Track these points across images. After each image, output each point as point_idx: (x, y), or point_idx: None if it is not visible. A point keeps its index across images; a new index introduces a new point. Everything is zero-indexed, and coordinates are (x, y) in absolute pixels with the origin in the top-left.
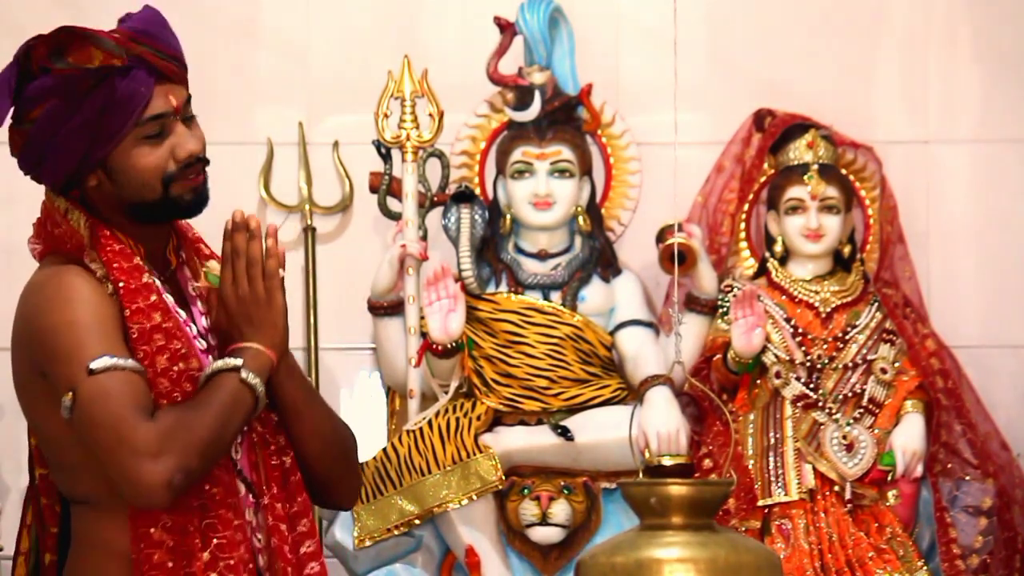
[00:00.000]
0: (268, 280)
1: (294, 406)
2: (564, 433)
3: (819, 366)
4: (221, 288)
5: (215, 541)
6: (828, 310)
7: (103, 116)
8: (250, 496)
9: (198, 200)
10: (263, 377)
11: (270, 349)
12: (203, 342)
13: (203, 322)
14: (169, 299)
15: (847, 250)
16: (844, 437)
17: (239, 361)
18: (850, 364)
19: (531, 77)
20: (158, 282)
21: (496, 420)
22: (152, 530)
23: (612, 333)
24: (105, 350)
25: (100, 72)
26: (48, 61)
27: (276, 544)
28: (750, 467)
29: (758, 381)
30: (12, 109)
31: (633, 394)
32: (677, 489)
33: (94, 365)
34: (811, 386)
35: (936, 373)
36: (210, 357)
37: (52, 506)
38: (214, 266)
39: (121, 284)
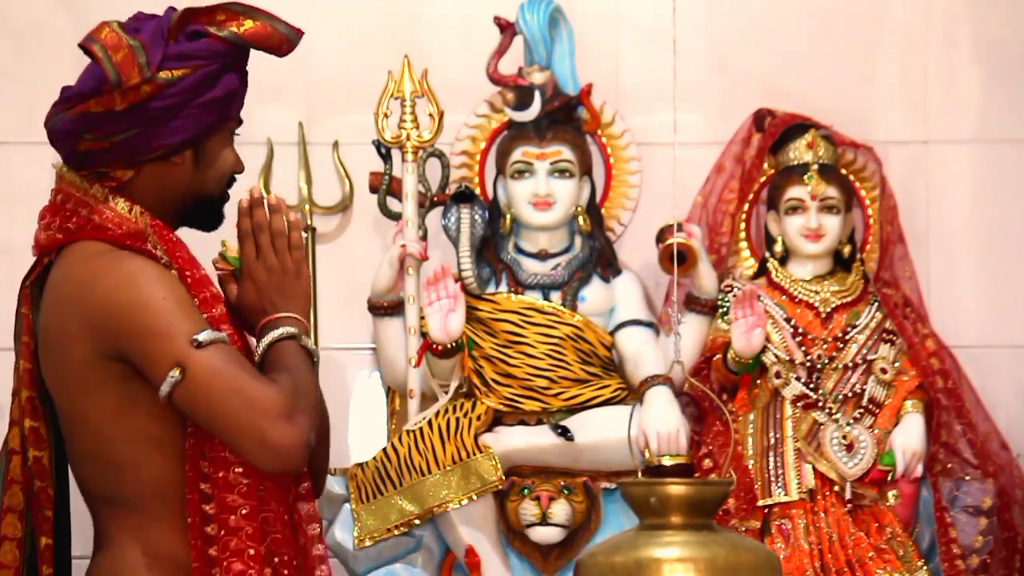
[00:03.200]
0: (295, 251)
1: None
2: (564, 433)
3: (819, 366)
4: (245, 263)
5: (271, 536)
6: (828, 310)
7: (233, 95)
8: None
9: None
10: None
11: (304, 318)
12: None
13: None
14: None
15: (847, 250)
16: (844, 437)
17: (294, 329)
18: (850, 364)
19: (531, 77)
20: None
21: (496, 420)
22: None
23: (612, 333)
24: (202, 325)
25: (249, 51)
26: (205, 27)
27: (302, 543)
28: (750, 467)
29: (758, 381)
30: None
31: (633, 394)
32: (676, 489)
33: (201, 338)
34: (811, 386)
35: (936, 373)
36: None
37: (46, 489)
38: (231, 245)
39: (188, 274)
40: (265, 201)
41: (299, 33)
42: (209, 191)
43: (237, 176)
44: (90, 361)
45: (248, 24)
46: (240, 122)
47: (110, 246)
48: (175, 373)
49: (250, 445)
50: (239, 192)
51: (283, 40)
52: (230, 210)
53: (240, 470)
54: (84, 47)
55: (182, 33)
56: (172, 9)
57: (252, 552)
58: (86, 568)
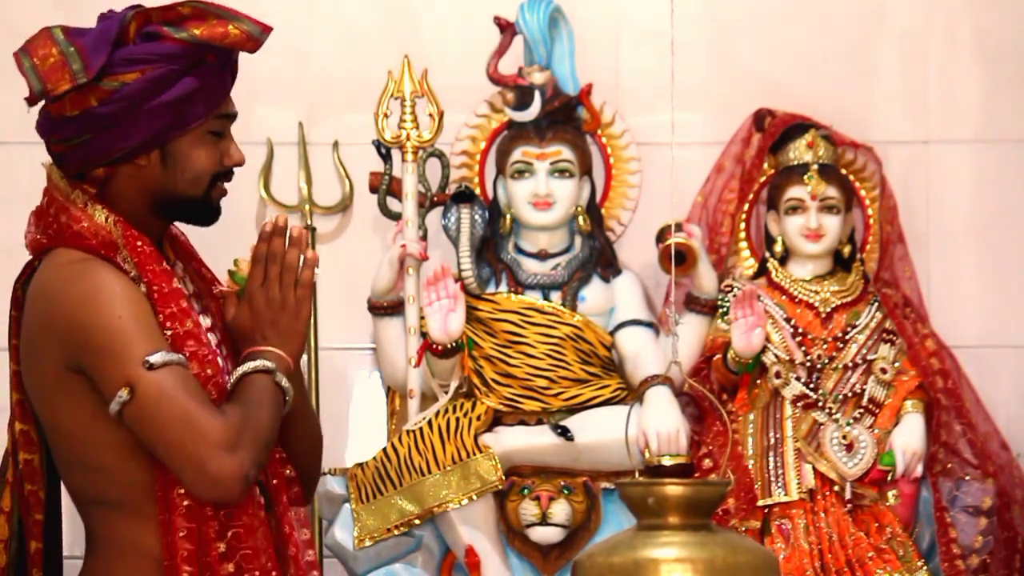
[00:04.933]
0: (300, 289)
1: (296, 410)
2: (564, 433)
3: (819, 366)
4: (249, 287)
5: (240, 552)
6: (828, 310)
7: (193, 97)
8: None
9: (219, 209)
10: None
11: (291, 358)
12: (214, 338)
13: (204, 321)
14: (194, 304)
15: (847, 250)
16: (844, 437)
17: (271, 364)
18: (850, 364)
19: (531, 77)
20: (184, 286)
21: (496, 420)
22: (180, 535)
23: (612, 333)
24: (158, 346)
25: (220, 50)
26: (161, 28)
27: (293, 553)
28: (750, 467)
29: (758, 381)
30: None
31: (633, 394)
32: (674, 489)
33: (153, 359)
34: (811, 386)
35: (936, 373)
36: (219, 359)
37: (37, 492)
38: (243, 265)
39: (155, 288)
40: (288, 231)
41: (265, 30)
42: (184, 191)
43: (236, 168)
44: (58, 371)
45: (208, 23)
46: (229, 118)
47: (84, 255)
48: (123, 393)
49: (189, 472)
50: (239, 192)
51: (247, 38)
52: (226, 205)
53: None
54: (15, 56)
55: (139, 34)
56: (133, 7)
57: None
58: (79, 571)
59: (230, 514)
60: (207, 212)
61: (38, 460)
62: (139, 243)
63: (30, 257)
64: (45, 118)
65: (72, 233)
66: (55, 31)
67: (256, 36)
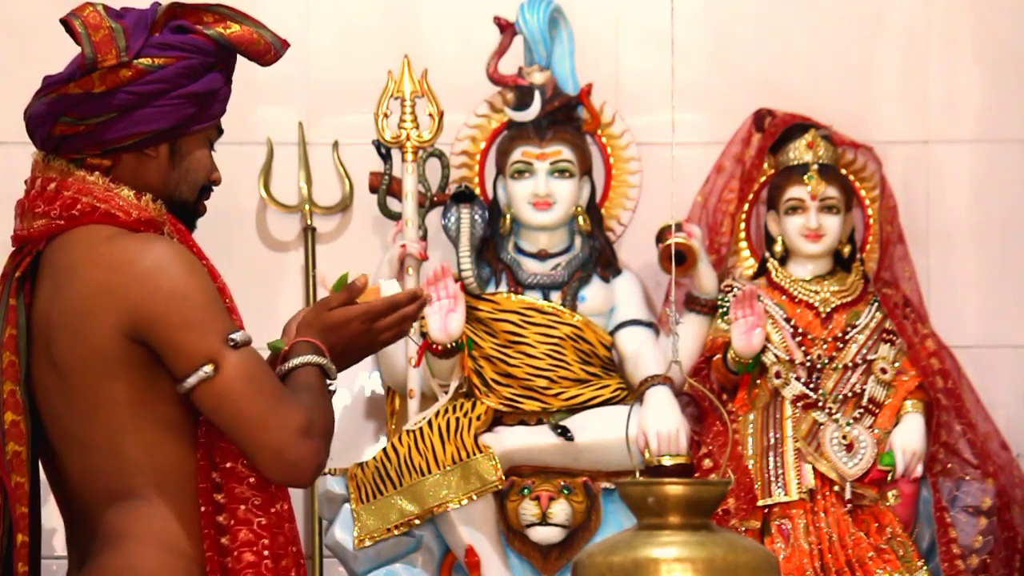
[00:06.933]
0: (386, 337)
1: None
2: (564, 433)
3: (819, 366)
4: (357, 311)
5: (280, 534)
6: (828, 310)
7: (216, 94)
8: None
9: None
10: None
11: (338, 367)
12: None
13: None
14: None
15: (847, 250)
16: (844, 437)
17: (324, 361)
18: (850, 364)
19: (531, 77)
20: None
21: (496, 420)
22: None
23: (612, 333)
24: (234, 324)
25: (240, 55)
26: (191, 23)
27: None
28: (750, 467)
29: (758, 381)
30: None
31: (633, 394)
32: (674, 489)
33: (237, 338)
34: (811, 386)
35: (936, 373)
36: None
37: (24, 485)
38: (359, 281)
39: (204, 263)
40: (424, 300)
41: (285, 44)
42: (182, 194)
43: (214, 187)
44: (114, 341)
45: (234, 28)
46: (220, 132)
47: (129, 230)
48: (208, 369)
49: (266, 455)
50: (239, 193)
51: (268, 48)
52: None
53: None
54: (65, 21)
55: (167, 27)
56: (158, 4)
57: (265, 542)
58: (88, 568)
59: (273, 493)
60: (191, 221)
61: (25, 452)
62: (179, 225)
63: (16, 247)
64: (59, 96)
65: (102, 212)
66: (98, 6)
67: (277, 48)
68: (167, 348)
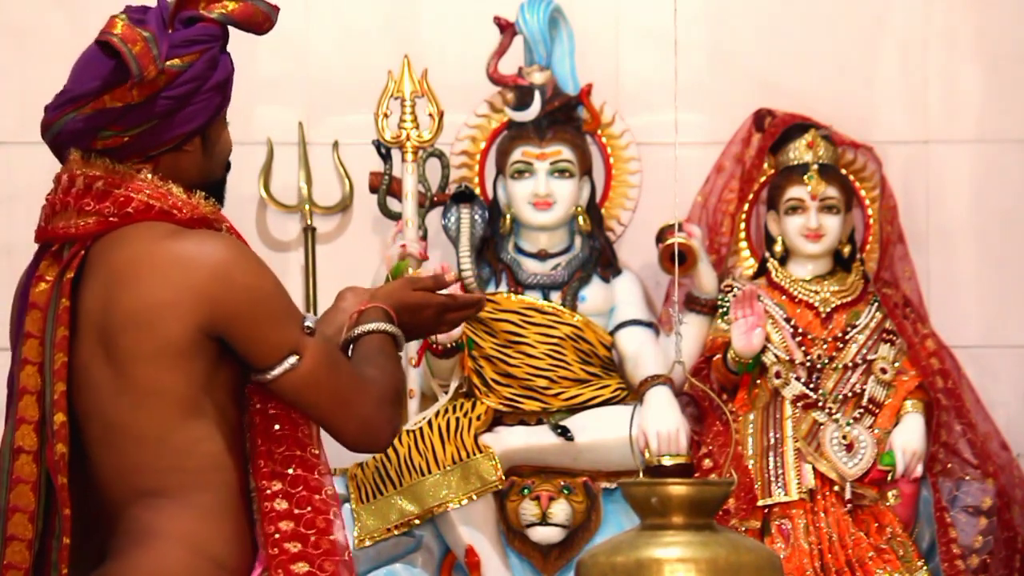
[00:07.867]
0: (442, 330)
1: None
2: (564, 433)
3: (819, 366)
4: (425, 298)
5: (332, 524)
6: (828, 310)
7: (229, 79)
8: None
9: None
10: None
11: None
12: None
13: None
14: None
15: (847, 250)
16: (844, 437)
17: (393, 329)
18: (850, 364)
19: (531, 77)
20: None
21: (496, 420)
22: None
23: (612, 333)
24: (301, 312)
25: (241, 29)
26: (197, 11)
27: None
28: (750, 467)
29: (758, 381)
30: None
31: (633, 394)
32: (677, 489)
33: (309, 323)
34: (811, 386)
35: (936, 373)
36: None
37: (67, 486)
38: (450, 275)
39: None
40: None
41: (276, 9)
42: (216, 175)
43: (235, 169)
44: (190, 337)
45: (232, 4)
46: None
47: (179, 227)
48: (293, 360)
49: (353, 428)
50: (240, 192)
51: (265, 17)
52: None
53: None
54: (104, 43)
55: (178, 20)
56: None
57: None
58: (116, 565)
59: (310, 485)
60: (222, 194)
61: (68, 454)
62: (227, 222)
63: (56, 245)
64: (96, 112)
65: (159, 210)
66: (123, 18)
67: (272, 15)
68: (249, 342)
